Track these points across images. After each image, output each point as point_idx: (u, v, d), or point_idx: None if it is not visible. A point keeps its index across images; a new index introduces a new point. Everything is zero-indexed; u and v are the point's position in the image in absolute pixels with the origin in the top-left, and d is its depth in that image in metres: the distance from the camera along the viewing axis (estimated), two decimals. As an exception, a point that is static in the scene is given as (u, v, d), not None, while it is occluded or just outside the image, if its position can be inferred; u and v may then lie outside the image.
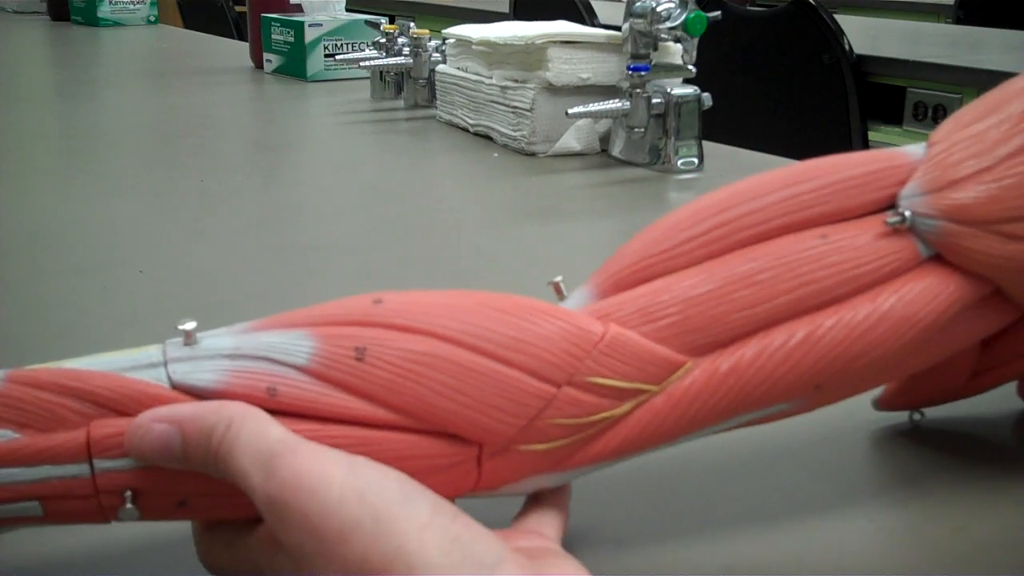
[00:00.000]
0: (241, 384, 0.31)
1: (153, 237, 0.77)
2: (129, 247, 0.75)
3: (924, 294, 0.37)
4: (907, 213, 0.37)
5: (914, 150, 0.40)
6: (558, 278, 0.37)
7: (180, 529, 0.39)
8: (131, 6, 2.20)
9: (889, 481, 0.44)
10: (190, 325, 0.33)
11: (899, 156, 0.39)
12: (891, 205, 0.38)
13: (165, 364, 0.32)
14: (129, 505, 0.32)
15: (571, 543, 0.35)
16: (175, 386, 0.32)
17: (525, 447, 0.33)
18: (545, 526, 0.34)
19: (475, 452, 0.33)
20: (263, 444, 0.30)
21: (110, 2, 2.16)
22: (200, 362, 0.32)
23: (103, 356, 0.33)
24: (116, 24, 2.17)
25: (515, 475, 0.34)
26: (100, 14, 2.15)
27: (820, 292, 0.36)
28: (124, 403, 0.31)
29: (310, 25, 1.46)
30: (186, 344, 0.33)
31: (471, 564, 0.27)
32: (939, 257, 0.38)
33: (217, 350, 0.32)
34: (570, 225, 0.83)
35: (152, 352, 0.33)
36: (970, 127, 0.39)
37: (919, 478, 0.44)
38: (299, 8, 1.51)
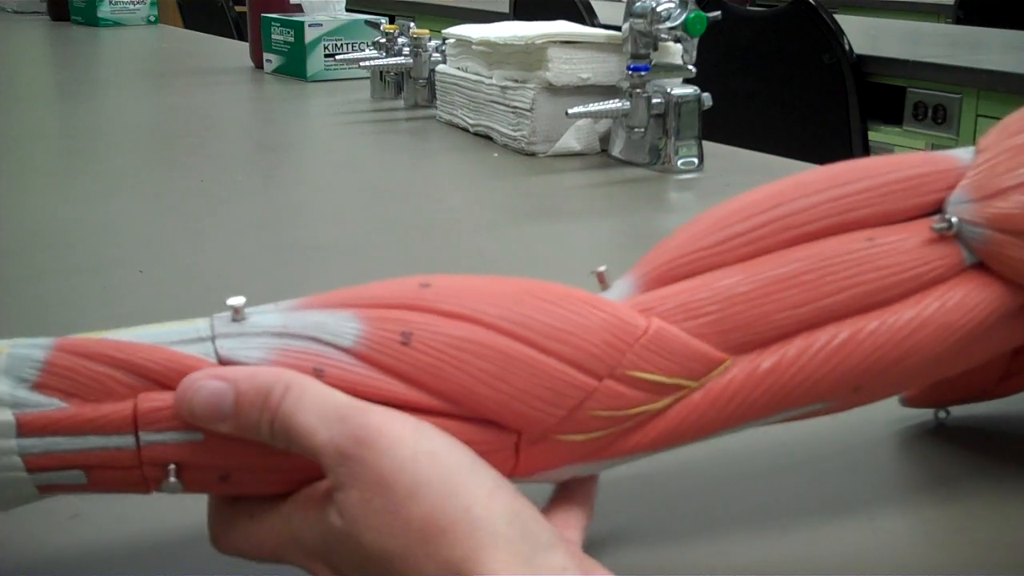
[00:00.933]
0: (288, 363, 0.32)
1: (153, 237, 0.77)
2: (129, 247, 0.75)
3: (966, 301, 0.37)
4: (954, 219, 0.37)
5: (962, 155, 0.39)
6: (602, 268, 0.37)
7: (183, 533, 0.39)
8: (131, 6, 2.20)
9: (904, 481, 0.44)
10: (239, 301, 0.33)
11: (947, 160, 0.39)
12: (938, 210, 0.38)
13: (213, 339, 0.32)
14: (173, 479, 0.32)
15: (571, 543, 0.35)
16: (222, 361, 0.32)
17: (563, 437, 0.33)
18: (570, 527, 0.34)
19: (514, 440, 0.33)
20: (331, 403, 0.30)
21: (110, 2, 2.16)
22: (247, 339, 0.32)
23: (151, 328, 0.33)
24: (116, 24, 2.17)
25: (551, 463, 0.34)
26: (100, 14, 2.15)
27: (864, 295, 0.36)
28: (171, 377, 0.32)
29: (310, 25, 1.46)
30: (234, 320, 0.33)
31: (530, 540, 0.28)
32: (982, 264, 0.37)
33: (265, 327, 0.33)
34: (570, 225, 0.83)
35: (200, 326, 0.33)
36: (1018, 136, 0.39)
37: (943, 478, 0.44)
38: (299, 8, 1.51)
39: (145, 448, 0.31)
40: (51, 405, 0.31)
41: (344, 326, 0.32)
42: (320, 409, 0.30)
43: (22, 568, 0.37)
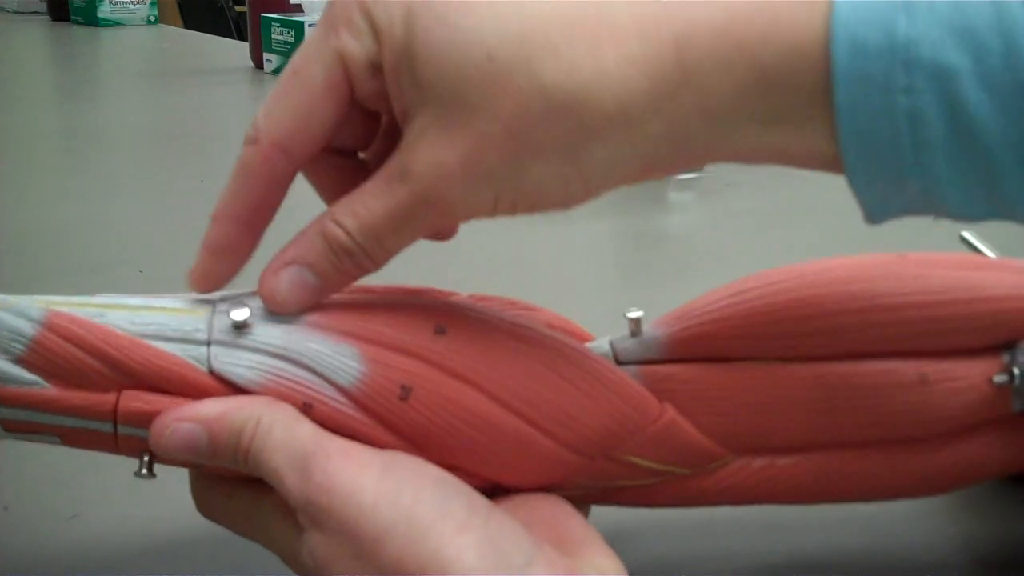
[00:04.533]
0: (278, 390, 0.31)
1: (153, 237, 0.77)
2: (129, 247, 0.75)
3: (999, 451, 0.35)
4: (1016, 371, 0.35)
5: None
6: (638, 313, 0.35)
7: (183, 533, 0.39)
8: (131, 6, 2.19)
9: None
10: (241, 315, 0.32)
11: None
12: (1006, 343, 0.35)
13: (208, 344, 0.32)
14: (144, 471, 0.32)
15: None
16: (211, 371, 0.31)
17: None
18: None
19: (492, 486, 0.32)
20: (295, 444, 0.29)
21: (110, 2, 2.16)
22: (243, 353, 0.31)
23: (153, 312, 0.32)
24: (116, 24, 2.17)
25: None
26: (100, 14, 2.15)
27: (894, 433, 0.34)
28: (155, 381, 0.31)
29: (310, 25, 1.45)
30: (235, 327, 0.32)
31: (505, 566, 0.27)
32: None
33: (263, 344, 0.31)
34: (569, 225, 0.83)
35: (200, 322, 0.32)
36: None
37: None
38: (299, 8, 1.51)
39: (123, 437, 0.32)
40: (33, 383, 0.31)
41: (345, 363, 0.31)
42: (286, 449, 0.29)
43: (22, 568, 0.37)
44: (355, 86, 0.30)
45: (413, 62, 0.28)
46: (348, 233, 0.31)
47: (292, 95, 0.30)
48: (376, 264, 0.32)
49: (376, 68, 0.29)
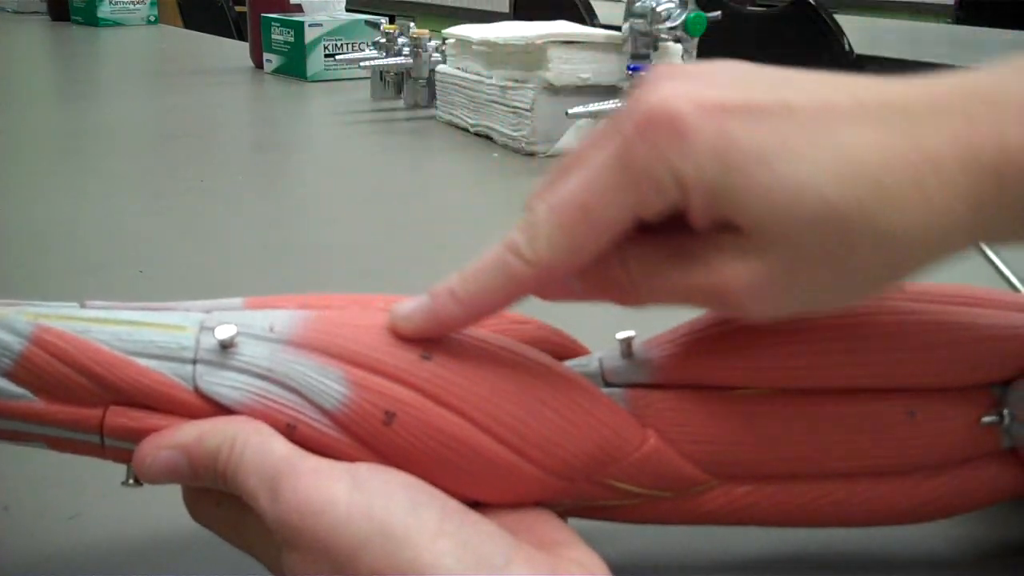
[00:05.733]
0: (262, 411, 0.31)
1: (153, 237, 0.77)
2: (129, 247, 0.75)
3: (983, 485, 0.35)
4: (1005, 412, 0.35)
5: None
6: (629, 334, 0.35)
7: (183, 533, 0.39)
8: (131, 6, 2.19)
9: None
10: (227, 333, 0.32)
11: None
12: (999, 380, 0.35)
13: (195, 362, 0.32)
14: (131, 481, 0.32)
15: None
16: (197, 389, 0.32)
17: None
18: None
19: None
20: (267, 464, 0.30)
21: (110, 2, 2.16)
22: (229, 373, 0.32)
23: (141, 328, 0.32)
24: (116, 24, 2.17)
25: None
26: (100, 14, 2.15)
27: (880, 466, 0.34)
28: (142, 399, 0.32)
29: (310, 25, 1.46)
30: (222, 346, 0.32)
31: (482, 567, 0.27)
32: (1013, 450, 0.35)
33: (249, 363, 0.32)
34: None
35: (187, 341, 0.32)
36: None
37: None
38: (299, 8, 1.51)
39: (110, 448, 0.32)
40: (21, 396, 0.31)
41: (329, 386, 0.31)
42: (258, 469, 0.30)
43: (22, 568, 0.37)
44: (643, 218, 0.31)
45: (731, 202, 0.29)
46: (633, 281, 0.32)
47: (581, 233, 0.31)
48: (636, 306, 0.33)
49: (671, 205, 0.30)
